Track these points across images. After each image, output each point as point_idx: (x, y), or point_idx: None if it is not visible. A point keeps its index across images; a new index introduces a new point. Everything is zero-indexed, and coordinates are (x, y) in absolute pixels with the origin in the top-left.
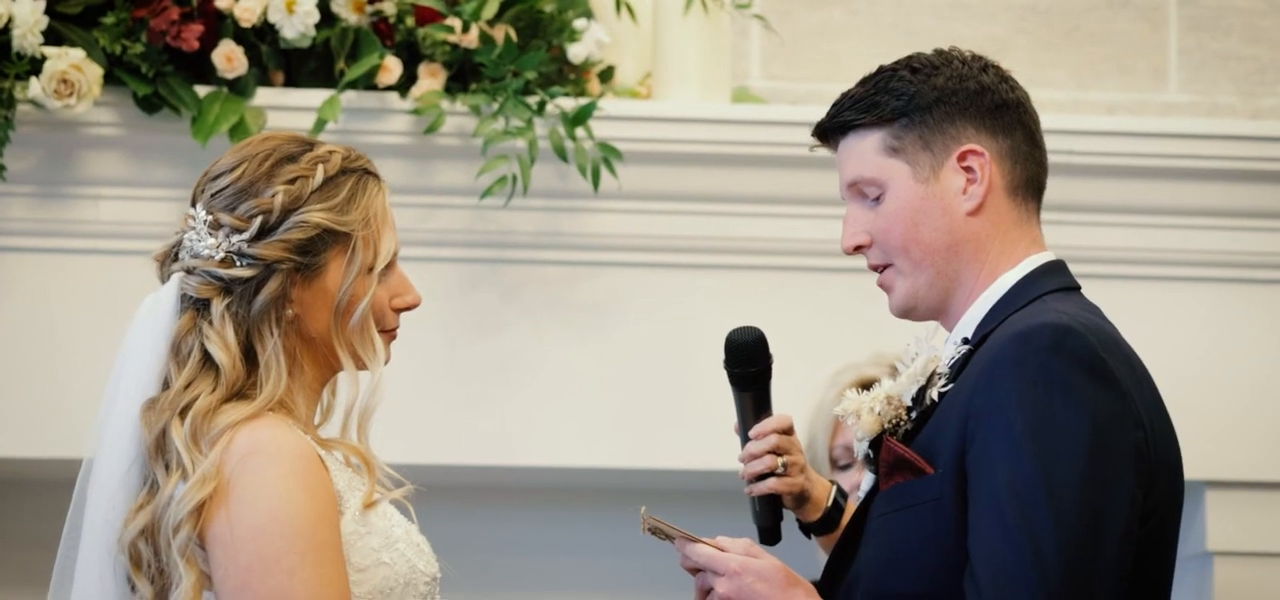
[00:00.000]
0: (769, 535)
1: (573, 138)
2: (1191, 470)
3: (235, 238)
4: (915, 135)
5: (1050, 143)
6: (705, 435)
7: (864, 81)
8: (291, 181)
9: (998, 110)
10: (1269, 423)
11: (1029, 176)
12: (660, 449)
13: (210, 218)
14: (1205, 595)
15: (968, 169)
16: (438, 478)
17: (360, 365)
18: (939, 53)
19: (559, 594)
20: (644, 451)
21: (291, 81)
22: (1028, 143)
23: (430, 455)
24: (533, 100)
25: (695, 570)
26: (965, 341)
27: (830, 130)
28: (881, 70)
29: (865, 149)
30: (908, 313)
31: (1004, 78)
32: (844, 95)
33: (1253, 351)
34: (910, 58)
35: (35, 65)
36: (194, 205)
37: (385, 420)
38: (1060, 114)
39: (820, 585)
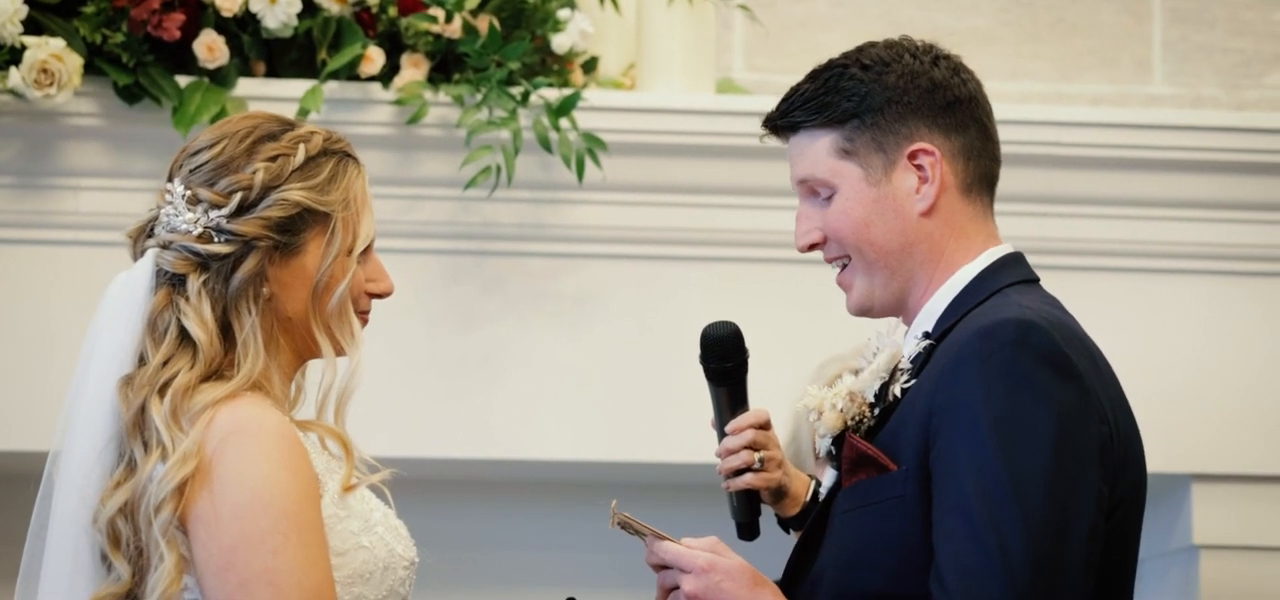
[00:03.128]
0: (747, 531)
1: (557, 128)
2: (1177, 463)
3: (214, 213)
4: (868, 137)
5: (1034, 134)
6: (690, 428)
7: (814, 76)
8: (272, 159)
9: (950, 108)
10: (1255, 415)
11: (982, 172)
12: (644, 442)
13: (188, 193)
14: (1191, 589)
15: (918, 168)
16: (420, 470)
17: (338, 349)
18: (889, 46)
19: (543, 588)
20: (628, 444)
21: (273, 72)
22: (981, 138)
23: (413, 448)
24: (516, 91)
25: (660, 567)
26: (926, 336)
27: (781, 127)
28: (831, 66)
29: (817, 150)
30: (865, 311)
31: (956, 70)
32: (794, 91)
33: (1238, 344)
34: (861, 52)
35: (15, 55)
36: (171, 180)
37: (367, 412)
38: (1044, 105)
39: (783, 582)
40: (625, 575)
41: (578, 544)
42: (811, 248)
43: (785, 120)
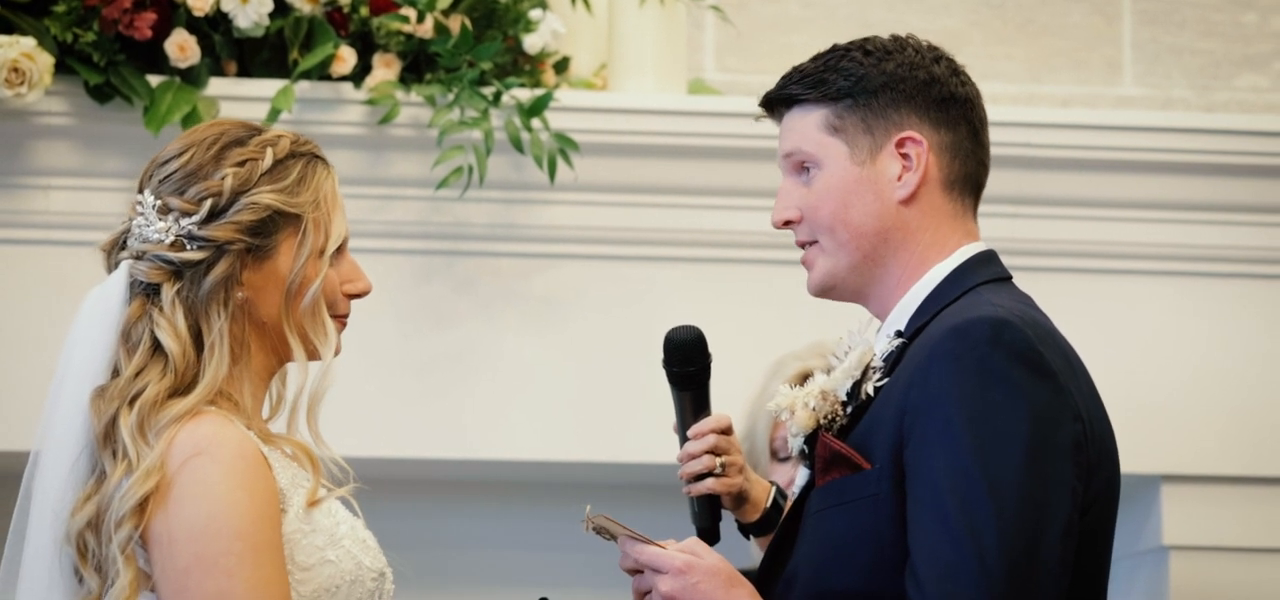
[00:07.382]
0: (707, 536)
1: (528, 129)
2: (1146, 464)
3: (185, 221)
4: (858, 117)
5: (1004, 135)
6: (661, 428)
7: (816, 57)
8: (241, 164)
9: (944, 103)
10: (1226, 416)
11: (968, 173)
12: (616, 442)
13: (159, 202)
14: (1161, 590)
15: (904, 156)
16: (392, 471)
17: (310, 352)
18: (895, 38)
19: (514, 588)
20: (600, 445)
21: (244, 71)
22: (971, 139)
23: (384, 449)
24: (488, 91)
25: (634, 570)
26: (898, 335)
27: (777, 101)
28: (835, 48)
29: (807, 124)
30: (825, 292)
31: (955, 71)
32: (794, 68)
33: (1208, 345)
34: (866, 40)
35: None
36: (141, 192)
37: (339, 413)
38: (1014, 107)
39: (757, 582)
40: (596, 575)
41: (549, 544)
42: (786, 224)
43: (781, 93)
